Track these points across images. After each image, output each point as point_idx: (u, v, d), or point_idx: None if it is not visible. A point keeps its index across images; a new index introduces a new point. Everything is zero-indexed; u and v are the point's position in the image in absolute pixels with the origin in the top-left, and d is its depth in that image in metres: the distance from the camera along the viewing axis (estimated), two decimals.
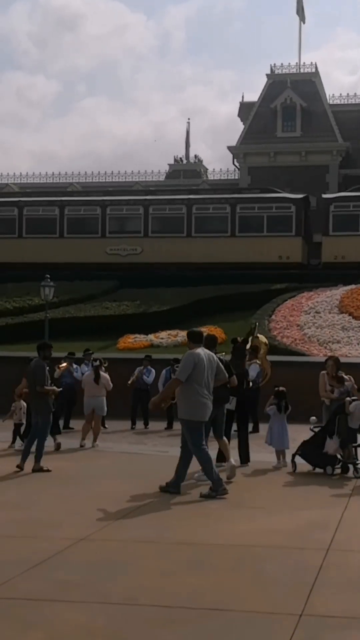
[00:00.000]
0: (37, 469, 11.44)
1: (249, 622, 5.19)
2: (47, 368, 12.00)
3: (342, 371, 12.49)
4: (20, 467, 11.53)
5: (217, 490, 9.54)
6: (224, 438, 11.25)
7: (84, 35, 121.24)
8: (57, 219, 36.68)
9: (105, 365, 15.97)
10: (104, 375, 15.37)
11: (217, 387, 10.52)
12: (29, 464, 11.53)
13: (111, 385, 15.50)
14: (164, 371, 18.11)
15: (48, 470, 11.40)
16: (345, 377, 12.38)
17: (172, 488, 9.74)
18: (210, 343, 11.19)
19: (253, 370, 16.79)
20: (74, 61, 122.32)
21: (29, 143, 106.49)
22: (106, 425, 17.90)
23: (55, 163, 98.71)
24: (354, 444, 11.51)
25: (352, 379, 12.41)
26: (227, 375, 10.42)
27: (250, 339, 17.32)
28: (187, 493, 9.83)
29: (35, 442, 11.69)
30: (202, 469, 9.89)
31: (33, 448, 11.69)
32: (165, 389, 10.61)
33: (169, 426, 17.95)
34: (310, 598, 5.65)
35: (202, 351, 9.90)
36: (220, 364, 10.24)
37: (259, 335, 18.64)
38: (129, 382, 18.24)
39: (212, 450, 12.26)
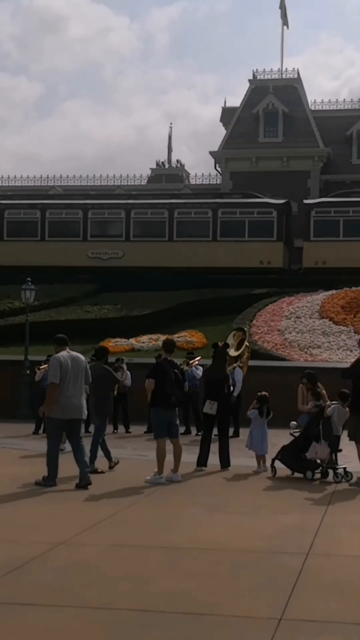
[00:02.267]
0: (92, 471, 11.34)
1: (227, 627, 5.18)
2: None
3: (320, 384, 12.41)
4: (111, 465, 12.06)
5: (46, 483, 10.37)
6: (178, 440, 11.40)
7: (67, 38, 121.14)
8: (38, 222, 36.56)
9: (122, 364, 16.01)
10: None
11: (172, 390, 10.82)
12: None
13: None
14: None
15: (102, 472, 11.65)
16: (322, 392, 12.29)
17: (47, 481, 10.44)
18: (168, 347, 11.40)
19: (238, 374, 16.82)
20: (56, 63, 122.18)
21: (11, 145, 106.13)
22: (90, 430, 17.85)
23: (37, 165, 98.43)
24: (336, 450, 11.54)
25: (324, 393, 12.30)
26: (90, 379, 10.96)
27: (237, 342, 17.34)
28: (164, 498, 9.82)
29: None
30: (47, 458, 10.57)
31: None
32: (47, 395, 10.75)
33: (149, 430, 17.92)
34: (290, 602, 5.65)
35: (66, 353, 10.57)
36: (84, 366, 10.77)
37: (247, 343, 18.68)
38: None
39: (193, 454, 12.30)
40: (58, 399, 10.38)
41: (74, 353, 10.77)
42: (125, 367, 18.62)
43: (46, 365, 17.85)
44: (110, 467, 12.09)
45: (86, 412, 10.93)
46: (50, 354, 18.63)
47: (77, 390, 10.52)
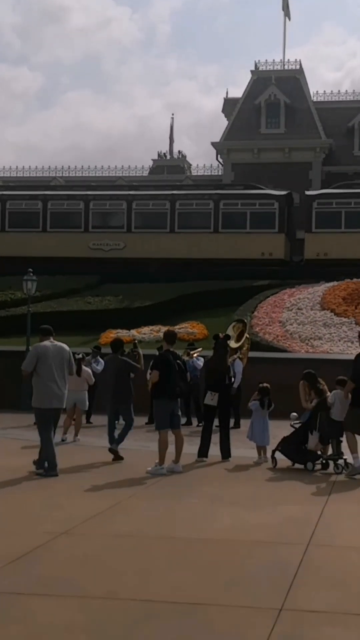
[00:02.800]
0: (114, 451, 12.08)
1: (228, 617, 5.22)
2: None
3: (321, 380, 12.41)
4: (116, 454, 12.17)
5: (49, 470, 10.54)
6: (180, 431, 11.51)
7: (69, 28, 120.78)
8: (40, 213, 36.55)
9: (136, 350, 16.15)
10: (86, 369, 15.38)
11: (174, 380, 10.89)
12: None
13: (93, 379, 15.51)
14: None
15: (122, 458, 11.94)
16: (324, 388, 12.30)
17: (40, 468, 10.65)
18: (170, 339, 11.47)
19: (238, 365, 16.85)
20: (58, 53, 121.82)
21: (12, 136, 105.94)
22: (91, 421, 17.93)
23: (38, 156, 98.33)
24: (339, 438, 11.56)
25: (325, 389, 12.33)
26: (75, 369, 11.36)
27: (237, 334, 17.35)
28: (165, 489, 9.86)
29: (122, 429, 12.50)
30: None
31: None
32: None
33: (150, 421, 17.96)
34: (290, 593, 5.68)
35: (49, 343, 10.80)
36: (72, 357, 11.08)
37: (247, 335, 18.69)
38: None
39: (194, 445, 12.34)
40: (41, 388, 10.63)
41: (58, 343, 11.00)
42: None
43: None
44: (111, 451, 12.24)
45: (65, 402, 11.16)
46: None
47: (59, 379, 10.74)
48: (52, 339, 11.02)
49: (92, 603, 5.47)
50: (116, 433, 12.51)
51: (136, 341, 16.31)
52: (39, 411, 10.91)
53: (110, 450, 12.20)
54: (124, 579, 6.00)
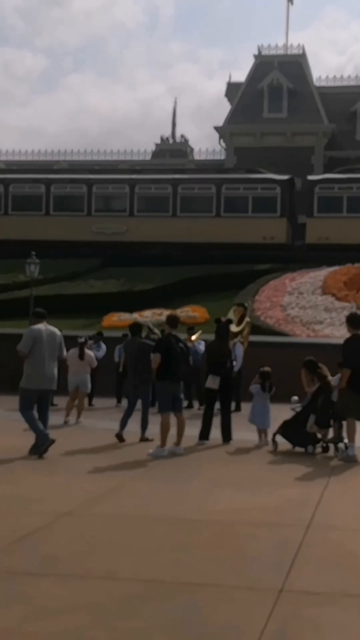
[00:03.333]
0: (144, 439, 12.29)
1: (229, 598, 5.26)
2: None
3: (322, 365, 12.43)
4: (119, 434, 12.36)
5: (42, 444, 10.63)
6: (182, 414, 11.59)
7: (72, 10, 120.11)
8: (43, 196, 36.53)
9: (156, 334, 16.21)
10: (88, 352, 15.44)
11: (177, 364, 10.95)
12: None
13: (95, 362, 15.57)
14: (117, 347, 18.52)
15: (152, 440, 12.02)
16: (325, 372, 12.33)
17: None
18: (172, 322, 11.54)
19: (239, 349, 16.88)
20: (61, 36, 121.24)
21: (15, 119, 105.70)
22: (93, 403, 18.00)
23: (41, 139, 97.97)
24: (341, 421, 11.61)
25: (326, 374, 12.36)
26: (64, 354, 11.45)
27: (238, 318, 17.36)
28: (166, 471, 9.91)
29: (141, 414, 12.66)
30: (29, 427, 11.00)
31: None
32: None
33: (152, 404, 18.03)
34: (290, 574, 5.73)
35: (42, 327, 11.07)
36: (63, 342, 11.26)
37: (248, 319, 18.70)
38: (120, 368, 18.32)
39: (195, 428, 12.40)
40: (33, 370, 10.90)
41: (51, 327, 11.25)
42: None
43: None
44: (118, 435, 12.38)
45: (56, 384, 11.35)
46: (58, 329, 18.82)
47: (51, 362, 11.01)
48: (45, 323, 11.14)
49: (93, 583, 5.52)
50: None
51: (150, 325, 16.38)
52: (24, 392, 11.14)
53: (141, 440, 12.36)
54: (125, 559, 6.05)
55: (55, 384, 11.26)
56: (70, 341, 17.84)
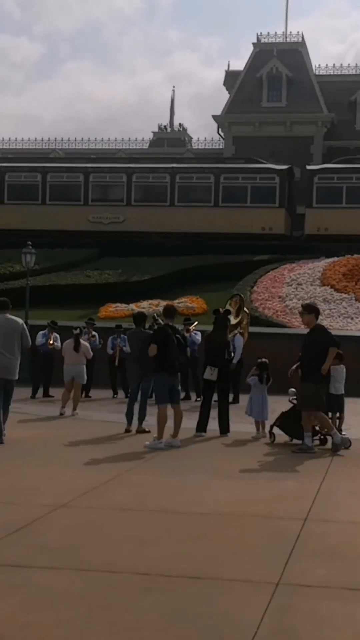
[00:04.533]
0: (140, 431, 12.26)
1: (226, 590, 5.24)
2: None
3: None
4: (128, 429, 12.43)
5: None
6: (179, 406, 11.54)
7: None
8: (39, 185, 36.38)
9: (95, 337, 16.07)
10: (84, 343, 15.38)
11: (174, 355, 10.89)
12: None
13: (91, 353, 15.52)
14: (110, 338, 18.47)
15: (149, 431, 11.99)
16: None
17: None
18: (169, 313, 11.49)
19: (238, 340, 16.85)
20: (58, 23, 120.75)
21: (12, 106, 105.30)
22: (90, 394, 17.95)
23: (38, 127, 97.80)
24: (339, 412, 11.60)
25: None
26: (29, 344, 11.41)
27: (236, 309, 17.32)
28: (163, 463, 9.88)
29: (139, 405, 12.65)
30: None
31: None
32: None
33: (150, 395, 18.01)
34: (287, 567, 5.71)
35: (1, 316, 11.04)
36: (26, 330, 11.24)
37: (246, 309, 18.66)
38: (116, 357, 18.26)
39: (193, 420, 12.36)
40: None
41: (11, 317, 11.21)
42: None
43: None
44: (127, 431, 12.39)
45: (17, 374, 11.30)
46: (54, 320, 18.79)
47: (8, 351, 10.95)
48: (6, 313, 11.15)
49: (90, 575, 5.49)
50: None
51: (156, 315, 16.31)
52: None
53: (137, 431, 12.34)
54: (122, 551, 6.02)
55: (16, 374, 11.17)
56: (65, 332, 17.92)
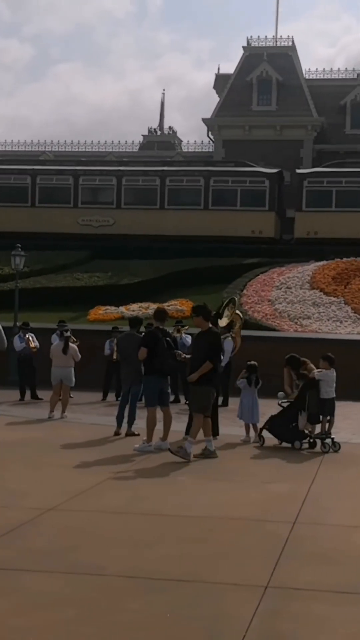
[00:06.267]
0: (130, 434, 12.21)
1: (215, 593, 5.24)
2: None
3: (307, 360, 12.34)
4: (117, 432, 12.43)
5: None
6: (168, 409, 11.59)
7: None
8: (28, 187, 36.31)
9: (77, 343, 16.01)
10: (72, 346, 15.36)
11: (163, 358, 10.86)
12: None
13: (79, 356, 15.49)
14: (107, 341, 18.46)
15: (138, 434, 12.04)
16: (310, 366, 12.27)
17: None
18: (160, 316, 11.47)
19: (228, 344, 16.83)
20: (48, 25, 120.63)
21: (1, 108, 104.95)
22: (71, 395, 17.92)
23: (27, 129, 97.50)
24: (330, 417, 11.59)
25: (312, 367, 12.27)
26: (5, 343, 10.96)
27: (230, 313, 17.30)
28: (153, 466, 9.87)
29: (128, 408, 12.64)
30: None
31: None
32: None
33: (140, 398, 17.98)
34: (276, 570, 5.72)
35: None
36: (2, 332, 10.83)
37: (238, 311, 18.65)
38: (114, 357, 18.22)
39: (182, 423, 12.35)
40: None
41: None
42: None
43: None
44: (116, 434, 12.42)
45: None
46: (26, 322, 18.80)
47: None
48: None
49: (80, 578, 5.49)
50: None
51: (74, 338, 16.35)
52: None
53: (127, 434, 12.35)
54: (111, 555, 6.02)
55: None
56: (45, 333, 17.97)
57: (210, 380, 10.71)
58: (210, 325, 11.00)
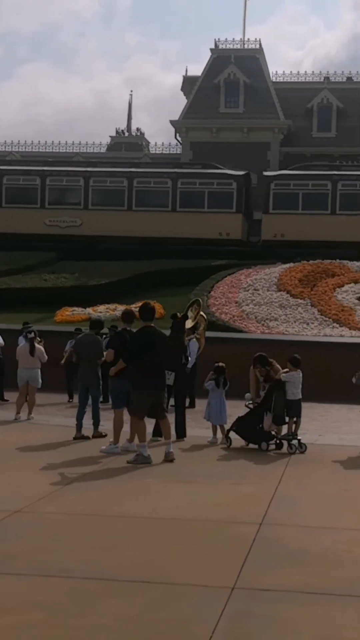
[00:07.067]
0: (97, 435, 12.29)
1: (183, 595, 5.25)
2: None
3: (273, 361, 12.39)
4: (77, 437, 12.28)
5: None
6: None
7: None
8: None
9: (42, 342, 15.92)
10: (39, 347, 15.28)
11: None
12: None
13: (46, 357, 15.42)
14: (69, 342, 18.32)
15: (105, 435, 12.06)
16: (276, 366, 12.30)
17: None
18: (127, 318, 11.51)
19: (193, 345, 16.86)
20: (15, 24, 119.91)
21: None
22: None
23: None
24: (296, 417, 11.65)
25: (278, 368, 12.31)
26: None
27: (195, 315, 17.32)
28: (120, 468, 9.86)
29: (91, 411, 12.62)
30: None
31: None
32: None
33: (105, 399, 17.93)
34: (243, 571, 5.74)
35: None
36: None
37: (202, 313, 18.67)
38: (62, 361, 18.11)
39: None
40: None
41: None
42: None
43: None
44: (76, 438, 12.29)
45: None
46: (10, 322, 18.65)
47: None
48: None
49: (47, 580, 5.46)
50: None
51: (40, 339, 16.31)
52: None
53: (94, 436, 12.31)
54: (80, 557, 6.00)
55: None
56: (11, 334, 17.84)
57: (137, 384, 10.57)
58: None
